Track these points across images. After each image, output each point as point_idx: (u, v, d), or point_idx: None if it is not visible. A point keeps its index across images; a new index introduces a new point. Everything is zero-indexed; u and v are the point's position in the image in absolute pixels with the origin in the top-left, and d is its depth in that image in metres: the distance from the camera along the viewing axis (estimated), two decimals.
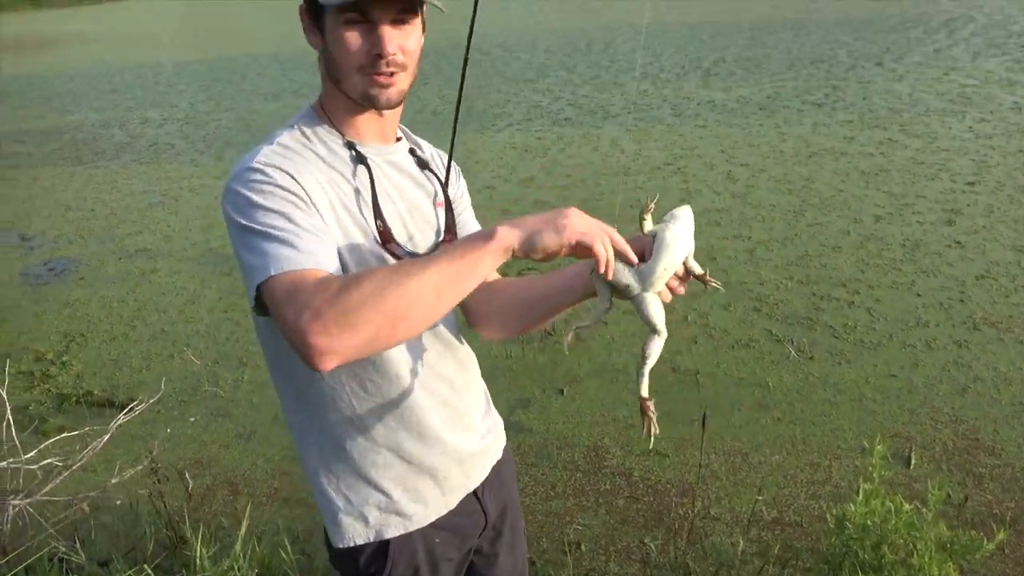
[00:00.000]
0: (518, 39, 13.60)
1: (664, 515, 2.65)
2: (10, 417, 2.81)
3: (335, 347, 0.89)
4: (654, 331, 1.10)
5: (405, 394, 1.21)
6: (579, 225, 0.97)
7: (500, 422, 1.46)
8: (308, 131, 1.16)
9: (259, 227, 1.00)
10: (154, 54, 16.27)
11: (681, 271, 1.11)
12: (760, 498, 2.66)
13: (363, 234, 1.13)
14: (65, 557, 2.43)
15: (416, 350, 1.21)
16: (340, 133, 1.18)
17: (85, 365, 3.98)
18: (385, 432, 1.21)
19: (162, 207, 6.40)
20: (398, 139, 1.27)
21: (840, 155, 6.14)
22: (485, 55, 12.06)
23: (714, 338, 3.72)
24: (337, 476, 1.22)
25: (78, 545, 2.39)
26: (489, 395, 1.47)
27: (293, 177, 1.05)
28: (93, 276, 5.12)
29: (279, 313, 0.94)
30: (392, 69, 1.11)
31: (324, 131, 1.17)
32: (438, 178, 1.30)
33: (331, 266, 1.01)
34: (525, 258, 0.98)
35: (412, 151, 1.28)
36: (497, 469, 1.40)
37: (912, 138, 6.42)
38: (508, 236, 0.95)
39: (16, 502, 2.67)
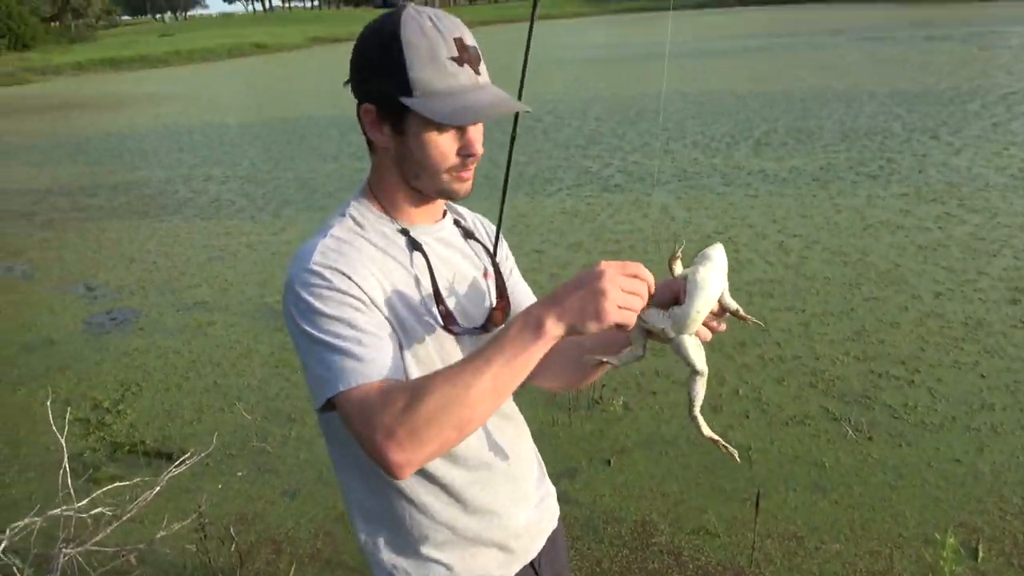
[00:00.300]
0: (569, 107, 13.89)
1: None
2: (67, 465, 2.87)
3: (411, 460, 0.98)
4: (695, 372, 1.11)
5: (463, 471, 1.22)
6: (616, 300, 0.96)
7: (553, 491, 1.45)
8: (360, 219, 1.17)
9: (323, 336, 1.04)
10: (220, 115, 17.04)
11: (717, 309, 1.09)
12: None
13: (424, 320, 1.15)
14: None
15: None
16: (392, 219, 1.19)
17: (139, 414, 4.07)
18: (443, 508, 1.21)
19: (221, 261, 6.61)
20: (444, 213, 1.29)
21: (897, 228, 6.05)
22: (537, 121, 12.33)
23: (767, 413, 3.63)
24: (396, 551, 1.23)
25: None
26: (543, 462, 1.46)
27: (350, 277, 1.07)
28: (152, 327, 5.28)
29: (353, 429, 1.01)
30: (473, 163, 1.14)
31: (376, 218, 1.18)
32: (484, 247, 1.32)
33: (394, 368, 1.05)
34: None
35: (457, 222, 1.30)
36: (552, 539, 1.39)
37: (972, 213, 6.30)
38: (555, 329, 0.97)
39: (67, 550, 2.71)
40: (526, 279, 1.44)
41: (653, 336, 1.09)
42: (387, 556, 1.23)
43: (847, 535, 2.80)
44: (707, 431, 1.14)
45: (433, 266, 1.17)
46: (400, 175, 1.15)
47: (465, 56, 1.06)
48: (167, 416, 4.04)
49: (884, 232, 5.99)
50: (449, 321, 1.16)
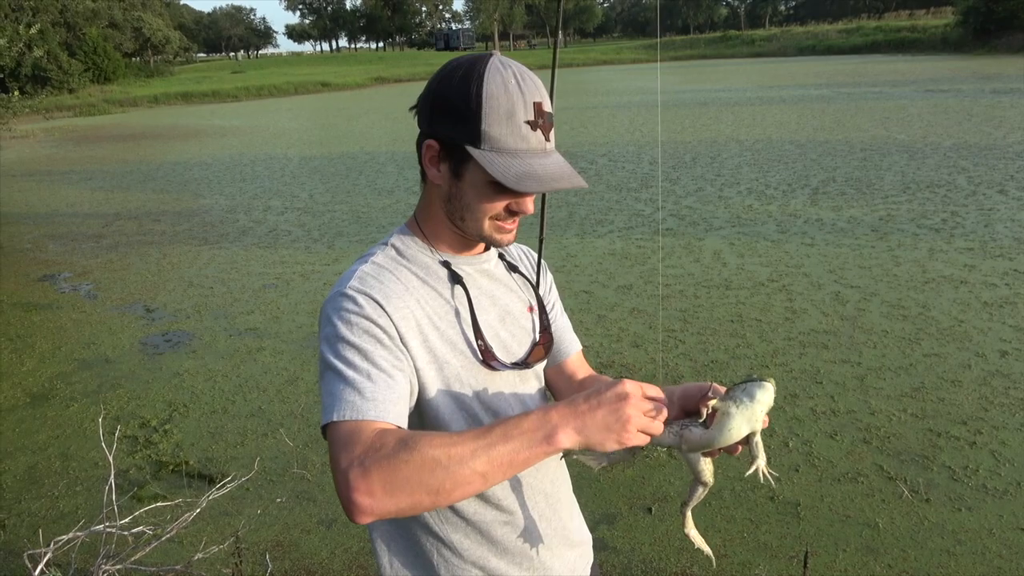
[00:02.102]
0: (623, 150, 13.93)
1: None
2: (112, 481, 2.92)
3: (373, 508, 0.92)
4: (699, 481, 1.10)
5: (495, 510, 1.19)
6: (638, 425, 0.96)
7: (589, 537, 1.41)
8: (403, 248, 1.18)
9: (336, 362, 1.04)
10: (283, 148, 17.59)
11: (734, 448, 1.05)
12: None
13: (461, 352, 1.14)
14: None
15: None
16: (435, 249, 1.19)
17: (185, 435, 4.14)
18: (473, 548, 1.18)
19: (274, 289, 6.74)
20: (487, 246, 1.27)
21: (960, 283, 5.84)
22: (591, 164, 12.39)
23: (818, 468, 3.49)
24: None
25: None
26: (579, 507, 1.42)
27: (382, 305, 1.07)
28: (204, 350, 5.39)
29: (332, 455, 0.98)
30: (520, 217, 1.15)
31: (419, 248, 1.18)
32: (528, 279, 1.31)
33: (396, 412, 1.02)
34: None
35: (501, 255, 1.29)
36: None
37: None
38: (567, 442, 0.94)
39: (106, 567, 2.74)
40: (573, 320, 1.44)
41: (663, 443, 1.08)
42: None
43: None
44: (689, 528, 1.16)
45: (473, 299, 1.17)
46: (446, 212, 1.15)
47: (540, 122, 1.06)
48: (211, 438, 4.09)
49: (947, 287, 5.79)
50: (488, 356, 1.15)
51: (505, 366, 1.17)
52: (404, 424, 1.04)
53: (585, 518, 1.45)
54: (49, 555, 2.67)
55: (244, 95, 40.69)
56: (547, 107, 1.07)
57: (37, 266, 8.04)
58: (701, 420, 1.05)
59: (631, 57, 63.61)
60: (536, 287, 1.31)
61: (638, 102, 24.69)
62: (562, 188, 1.04)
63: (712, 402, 1.04)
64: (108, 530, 2.86)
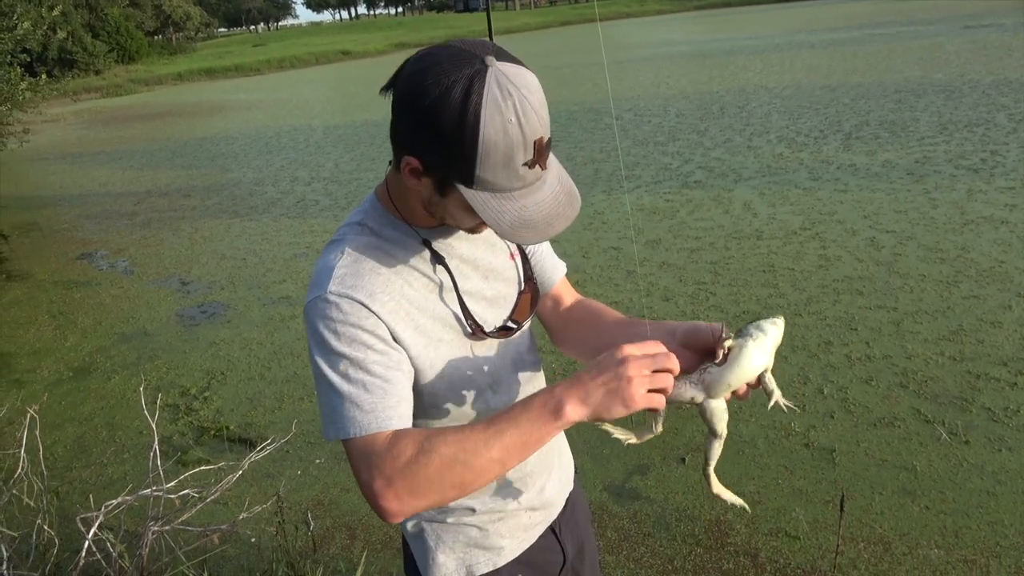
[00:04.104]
0: (649, 103, 13.68)
1: None
2: (156, 447, 3.00)
3: (404, 510, 0.98)
4: (714, 434, 1.08)
5: None
6: (644, 384, 0.94)
7: (570, 455, 1.47)
8: (378, 228, 1.12)
9: (331, 374, 1.03)
10: (307, 119, 17.62)
11: (753, 382, 1.05)
12: None
13: (452, 328, 1.13)
14: None
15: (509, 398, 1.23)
16: (410, 225, 1.12)
17: (224, 401, 4.24)
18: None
19: (305, 258, 6.81)
20: None
21: (1000, 224, 5.67)
22: (616, 119, 12.20)
23: (853, 414, 3.46)
24: (428, 516, 1.27)
25: (206, 574, 2.49)
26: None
27: (367, 307, 1.04)
28: (239, 319, 5.49)
29: (353, 468, 1.02)
30: None
31: (393, 225, 1.12)
32: None
33: (400, 415, 1.04)
34: None
35: None
36: (572, 504, 1.42)
37: None
38: (575, 415, 0.95)
39: (155, 528, 2.84)
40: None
41: (679, 404, 1.06)
42: (415, 522, 1.29)
43: (939, 542, 2.63)
44: (716, 487, 1.16)
45: (456, 271, 1.14)
46: (424, 207, 1.07)
47: (538, 159, 0.96)
48: (250, 404, 4.18)
49: (986, 227, 5.63)
50: (476, 329, 1.14)
51: (496, 335, 1.16)
52: (409, 422, 1.05)
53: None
54: (100, 519, 2.78)
55: (266, 68, 40.72)
56: (546, 137, 0.96)
57: (75, 245, 8.22)
58: (717, 361, 1.04)
59: (655, 8, 62.15)
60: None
61: (663, 54, 24.17)
62: (556, 233, 0.98)
63: (728, 341, 1.03)
64: (155, 494, 2.95)
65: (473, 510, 1.25)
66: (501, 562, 1.28)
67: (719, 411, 1.06)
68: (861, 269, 5.10)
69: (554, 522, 1.36)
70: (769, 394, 1.05)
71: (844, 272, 5.08)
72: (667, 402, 0.99)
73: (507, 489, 1.27)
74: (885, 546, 2.64)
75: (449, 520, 1.26)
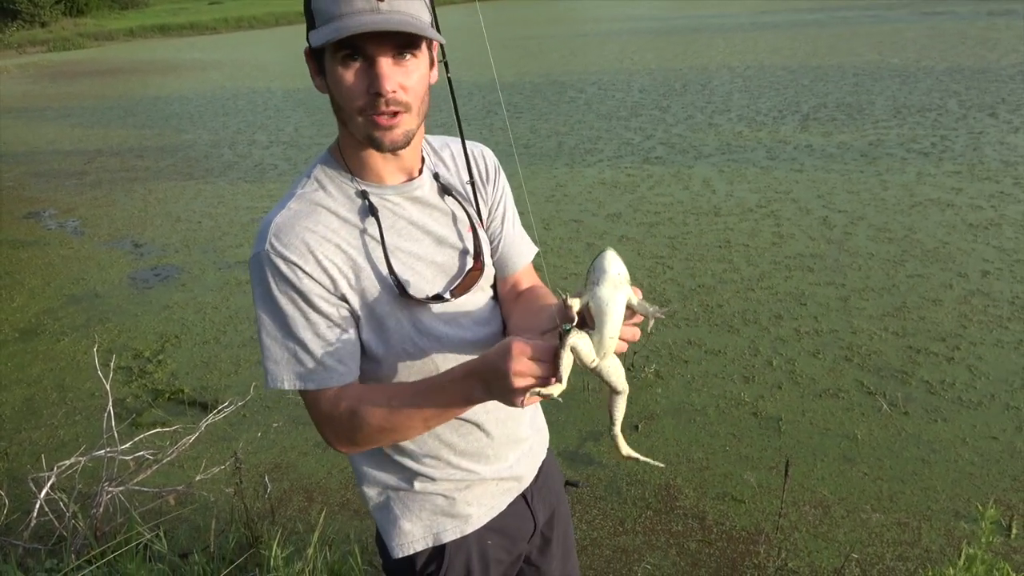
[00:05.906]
0: (613, 78, 13.69)
1: (738, 563, 2.56)
2: (111, 409, 2.97)
3: (350, 453, 1.24)
4: (615, 391, 1.06)
5: (457, 421, 1.25)
6: (520, 380, 0.95)
7: (544, 424, 1.48)
8: (325, 181, 1.13)
9: (272, 329, 1.11)
10: (266, 81, 17.19)
11: (629, 316, 1.00)
12: (855, 556, 2.53)
13: (382, 288, 1.13)
14: (149, 545, 2.54)
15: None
16: (356, 177, 1.14)
17: (179, 365, 4.19)
18: (437, 438, 1.25)
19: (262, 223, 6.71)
20: (422, 166, 1.20)
21: (947, 206, 5.87)
22: (580, 92, 12.19)
23: (800, 385, 3.59)
24: (393, 485, 1.27)
25: (162, 535, 2.49)
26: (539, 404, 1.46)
27: (301, 268, 1.07)
28: (193, 283, 5.41)
29: (308, 410, 1.16)
30: (394, 109, 1.04)
31: (340, 179, 1.13)
32: (469, 198, 1.25)
33: (341, 372, 1.12)
34: None
35: (436, 175, 1.22)
36: (544, 472, 1.43)
37: None
38: (482, 398, 1.04)
39: (110, 489, 2.82)
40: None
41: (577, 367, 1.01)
42: (381, 490, 1.28)
43: (875, 506, 2.77)
44: (625, 449, 1.14)
45: (393, 229, 1.14)
46: (341, 122, 1.10)
47: None
48: (205, 367, 4.15)
49: (933, 209, 5.83)
50: (402, 290, 1.12)
51: (427, 300, 1.14)
52: (350, 375, 1.13)
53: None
54: (53, 479, 2.75)
55: (223, 27, 39.44)
56: None
57: (21, 204, 7.96)
58: (575, 324, 0.99)
59: None
60: (477, 206, 1.26)
61: (628, 29, 24.12)
62: (377, 28, 0.96)
63: (574, 302, 0.99)
64: (109, 455, 2.93)
65: (433, 479, 1.25)
66: (469, 529, 1.28)
67: (613, 367, 1.03)
68: (813, 247, 5.24)
69: (526, 490, 1.36)
70: (648, 316, 1.00)
71: (796, 249, 5.21)
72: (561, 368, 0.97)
73: (470, 459, 1.27)
74: (825, 509, 2.77)
75: (416, 487, 1.25)
